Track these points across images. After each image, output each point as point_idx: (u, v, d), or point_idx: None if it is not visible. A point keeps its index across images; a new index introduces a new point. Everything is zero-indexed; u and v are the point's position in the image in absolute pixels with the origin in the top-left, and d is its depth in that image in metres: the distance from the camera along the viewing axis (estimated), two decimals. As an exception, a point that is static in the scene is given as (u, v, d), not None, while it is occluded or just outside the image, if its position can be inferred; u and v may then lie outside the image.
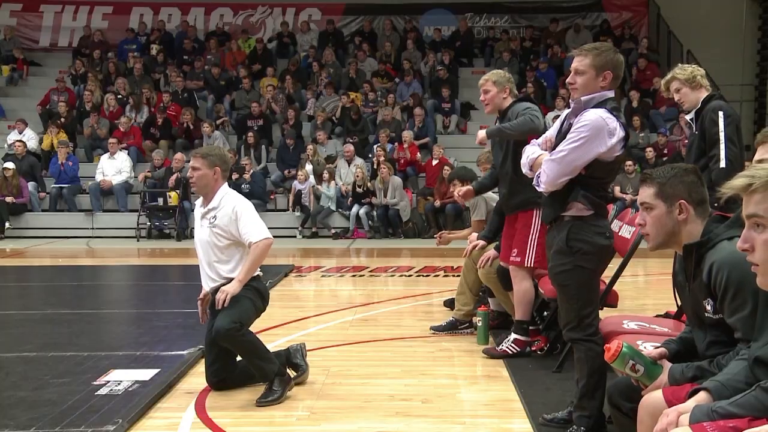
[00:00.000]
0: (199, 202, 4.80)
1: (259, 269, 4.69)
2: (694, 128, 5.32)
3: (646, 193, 2.92)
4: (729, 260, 2.66)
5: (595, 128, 3.59)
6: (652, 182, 2.91)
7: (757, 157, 3.61)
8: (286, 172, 14.53)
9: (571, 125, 3.73)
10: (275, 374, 4.51)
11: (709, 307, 2.78)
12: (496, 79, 5.37)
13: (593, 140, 3.59)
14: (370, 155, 14.61)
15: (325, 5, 18.96)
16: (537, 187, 3.80)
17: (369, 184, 13.64)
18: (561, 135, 3.82)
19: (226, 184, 4.74)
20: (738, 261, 2.64)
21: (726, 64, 16.45)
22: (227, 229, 4.59)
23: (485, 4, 18.83)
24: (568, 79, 3.79)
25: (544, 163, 3.71)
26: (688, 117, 5.40)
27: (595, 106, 3.67)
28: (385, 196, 13.46)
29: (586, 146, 3.60)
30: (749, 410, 2.27)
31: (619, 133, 3.65)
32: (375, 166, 13.95)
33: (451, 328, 6.19)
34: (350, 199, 13.69)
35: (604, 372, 3.69)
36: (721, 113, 5.09)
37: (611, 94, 3.73)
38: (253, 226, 4.57)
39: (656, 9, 18.08)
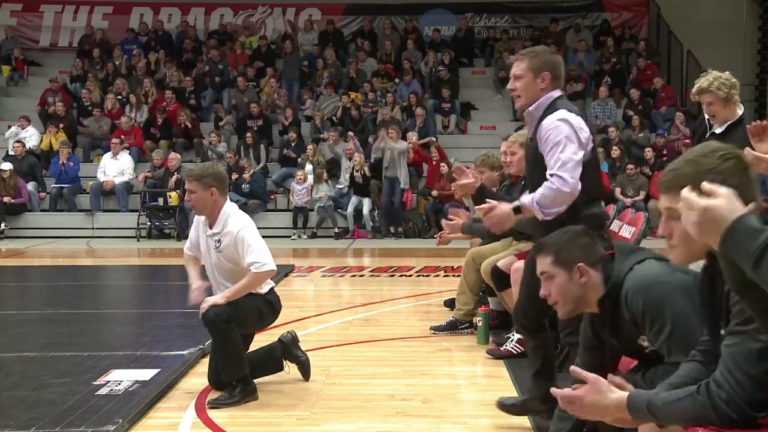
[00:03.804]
0: (202, 218, 4.66)
1: (272, 281, 4.65)
2: (711, 132, 4.94)
3: (544, 263, 2.86)
4: (640, 286, 2.65)
5: (564, 129, 3.52)
6: (548, 251, 2.87)
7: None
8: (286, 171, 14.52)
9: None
10: (239, 380, 4.45)
11: (646, 343, 2.72)
12: (523, 141, 5.06)
13: (571, 138, 3.51)
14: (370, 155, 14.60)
15: (325, 5, 18.95)
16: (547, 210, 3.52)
17: (366, 170, 13.63)
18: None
19: (228, 201, 4.62)
20: (647, 285, 2.62)
21: (726, 64, 16.27)
22: (232, 257, 4.51)
23: (485, 4, 18.81)
24: (508, 86, 3.77)
25: (548, 187, 3.47)
26: (718, 131, 4.91)
27: (547, 110, 3.63)
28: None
29: (570, 144, 3.50)
30: (681, 418, 2.14)
31: (585, 130, 3.59)
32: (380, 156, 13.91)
33: (451, 328, 6.18)
34: (350, 190, 13.69)
35: None
36: None
37: (557, 93, 3.69)
38: (256, 255, 4.43)
39: (656, 9, 18.06)
